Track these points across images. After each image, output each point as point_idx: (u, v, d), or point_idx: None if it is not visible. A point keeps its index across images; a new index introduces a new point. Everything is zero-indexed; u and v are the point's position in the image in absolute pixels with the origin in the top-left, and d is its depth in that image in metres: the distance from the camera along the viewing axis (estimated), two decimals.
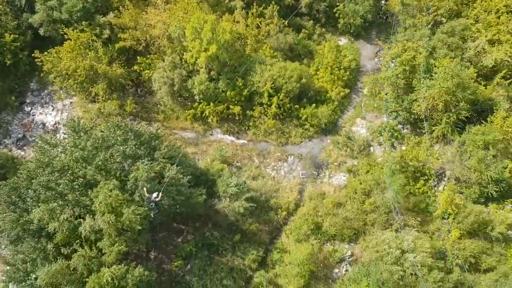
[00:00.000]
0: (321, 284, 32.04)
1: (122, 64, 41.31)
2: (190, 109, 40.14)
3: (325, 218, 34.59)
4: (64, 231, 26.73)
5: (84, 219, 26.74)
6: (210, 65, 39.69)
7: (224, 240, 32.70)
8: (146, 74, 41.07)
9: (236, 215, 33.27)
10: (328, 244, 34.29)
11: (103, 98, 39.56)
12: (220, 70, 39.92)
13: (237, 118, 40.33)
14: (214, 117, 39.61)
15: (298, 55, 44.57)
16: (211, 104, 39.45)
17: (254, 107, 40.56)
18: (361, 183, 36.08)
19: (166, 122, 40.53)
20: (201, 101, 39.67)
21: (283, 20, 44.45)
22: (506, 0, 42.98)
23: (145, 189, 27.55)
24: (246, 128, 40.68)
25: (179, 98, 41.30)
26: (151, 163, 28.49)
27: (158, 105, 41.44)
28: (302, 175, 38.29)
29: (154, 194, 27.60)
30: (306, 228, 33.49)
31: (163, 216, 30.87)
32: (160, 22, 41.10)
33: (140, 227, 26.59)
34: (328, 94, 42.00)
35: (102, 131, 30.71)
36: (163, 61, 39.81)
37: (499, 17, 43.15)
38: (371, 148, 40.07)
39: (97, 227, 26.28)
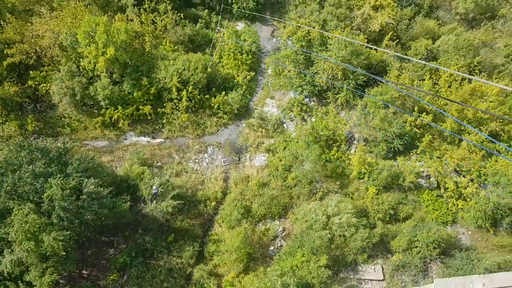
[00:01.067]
0: (259, 263, 33.06)
1: (15, 82, 38.56)
2: (98, 117, 38.66)
3: (252, 200, 35.53)
4: None
5: (3, 255, 25.07)
6: (111, 68, 38.42)
7: (157, 243, 32.36)
8: (43, 88, 38.73)
9: (165, 216, 33.08)
10: (260, 224, 35.40)
11: (0, 121, 36.79)
12: (122, 71, 38.79)
13: (149, 117, 39.61)
14: (124, 120, 38.59)
15: (199, 45, 44.61)
16: (119, 107, 38.33)
17: (164, 104, 40.05)
18: (281, 160, 37.46)
19: (74, 135, 38.68)
20: (108, 106, 38.35)
21: (178, 13, 44.03)
22: None
23: (154, 186, 31.01)
24: (161, 126, 40.15)
25: (83, 107, 39.56)
26: (66, 179, 27.30)
27: (63, 118, 39.36)
28: (224, 163, 38.87)
29: (154, 187, 31.60)
30: (237, 213, 34.26)
31: (90, 232, 29.88)
32: (48, 32, 38.75)
33: (64, 252, 25.55)
34: (235, 80, 42.67)
35: (5, 154, 28.73)
36: (59, 71, 37.73)
37: None
38: (285, 125, 41.62)
39: (18, 260, 24.76)
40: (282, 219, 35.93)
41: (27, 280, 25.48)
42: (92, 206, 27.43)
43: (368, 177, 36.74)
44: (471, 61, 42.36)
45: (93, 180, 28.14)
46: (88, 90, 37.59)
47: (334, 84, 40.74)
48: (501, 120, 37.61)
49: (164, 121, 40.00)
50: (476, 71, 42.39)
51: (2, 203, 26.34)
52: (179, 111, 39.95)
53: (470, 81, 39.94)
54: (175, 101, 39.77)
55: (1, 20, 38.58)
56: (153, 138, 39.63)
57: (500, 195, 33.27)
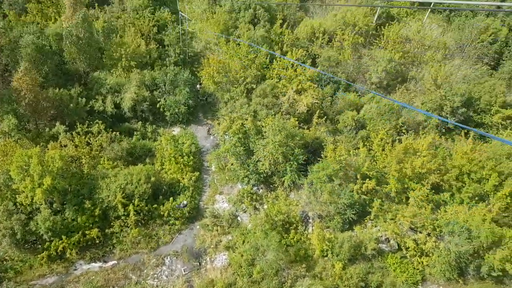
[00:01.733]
0: None
1: None
2: (43, 252, 36.22)
3: None
4: None
5: None
6: (50, 198, 36.97)
7: None
8: None
9: None
10: None
11: None
12: (62, 199, 37.48)
13: (97, 241, 37.65)
14: (71, 250, 36.38)
15: (139, 157, 44.59)
16: (64, 237, 36.34)
17: (112, 223, 38.61)
18: (242, 255, 36.57)
19: (19, 277, 35.65)
20: (52, 238, 36.23)
21: (112, 130, 44.35)
22: (294, 56, 50.02)
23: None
24: (111, 248, 38.19)
25: (26, 245, 37.06)
26: None
27: (4, 262, 36.45)
28: (184, 272, 37.17)
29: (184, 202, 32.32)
30: None
31: None
32: None
33: None
34: (181, 183, 42.49)
35: None
36: None
37: (295, 70, 50.03)
38: (239, 218, 41.28)
39: None
40: None
41: None
42: None
43: (331, 253, 36.60)
44: (396, 123, 45.52)
45: None
46: (28, 226, 35.62)
47: (278, 167, 41.70)
48: (438, 172, 39.76)
49: (114, 241, 38.27)
50: (403, 131, 45.48)
51: None
52: (128, 227, 38.58)
53: (400, 141, 42.60)
54: (122, 217, 38.50)
55: None
56: (105, 261, 37.46)
57: (458, 243, 34.18)
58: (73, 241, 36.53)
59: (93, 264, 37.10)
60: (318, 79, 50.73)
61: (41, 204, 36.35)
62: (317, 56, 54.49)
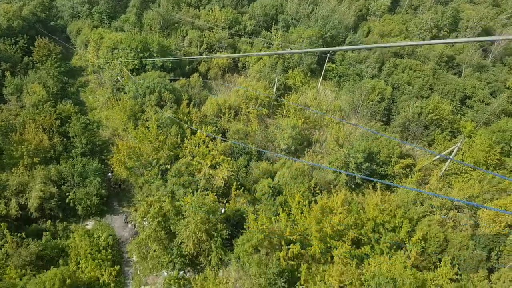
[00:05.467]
0: None
1: None
2: None
3: None
4: None
5: None
6: None
7: None
8: None
9: None
10: None
11: None
12: None
13: None
14: None
15: (51, 259, 40.97)
16: None
17: None
18: None
19: None
20: None
21: (19, 234, 40.70)
22: (203, 136, 51.17)
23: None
24: None
25: None
26: None
27: None
28: None
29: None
30: None
31: None
32: None
33: None
34: (100, 281, 39.53)
35: None
36: None
37: (207, 146, 51.02)
38: None
39: None
40: None
41: None
42: None
43: None
44: (309, 185, 47.66)
45: None
46: None
47: (202, 246, 40.83)
48: (355, 226, 41.80)
49: None
50: (317, 191, 47.65)
51: None
52: None
53: (315, 201, 44.46)
54: None
55: None
56: None
57: None
58: None
59: None
60: (230, 152, 52.06)
61: None
62: (226, 130, 56.28)
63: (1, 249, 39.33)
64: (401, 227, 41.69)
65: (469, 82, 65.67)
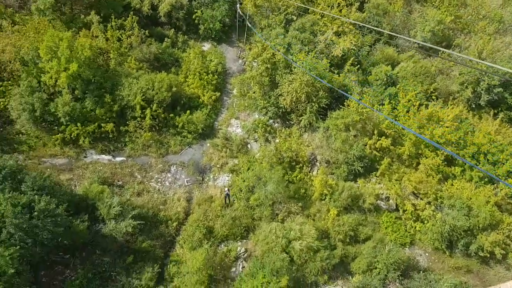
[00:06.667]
0: (221, 285, 32.72)
1: None
2: (58, 134, 37.62)
3: (215, 221, 35.37)
4: None
5: None
6: (72, 85, 37.64)
7: (116, 264, 31.48)
8: (1, 103, 37.47)
9: (125, 236, 32.28)
10: (222, 245, 35.12)
11: None
12: (84, 88, 38.08)
13: (111, 135, 38.86)
14: (85, 138, 37.68)
15: (165, 64, 44.51)
16: (80, 125, 37.52)
17: (128, 122, 39.51)
18: (244, 181, 37.51)
19: (33, 151, 37.37)
20: (69, 123, 37.40)
21: (144, 31, 43.96)
22: None
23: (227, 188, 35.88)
24: (123, 145, 39.49)
25: (43, 124, 38.39)
26: (16, 195, 26.31)
27: (20, 135, 38.02)
28: (187, 183, 38.55)
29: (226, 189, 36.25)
30: (199, 234, 33.90)
31: (44, 251, 28.68)
32: (9, 46, 37.82)
33: (13, 270, 24.40)
34: (200, 100, 42.76)
35: None
36: (19, 86, 36.72)
37: (340, 11, 48.06)
38: (249, 146, 41.88)
39: None
40: (244, 240, 35.81)
41: None
42: (46, 225, 26.45)
43: (330, 198, 37.30)
44: (427, 88, 44.26)
45: (45, 197, 27.17)
46: (48, 106, 36.65)
47: (298, 106, 41.45)
48: (456, 145, 39.24)
49: (126, 139, 39.43)
50: (433, 97, 44.30)
51: None
52: (142, 129, 39.49)
53: (427, 106, 41.64)
54: (138, 119, 39.34)
55: None
56: (115, 156, 38.88)
57: (455, 217, 34.52)
58: (88, 130, 37.71)
59: (103, 156, 38.55)
60: (360, 25, 48.72)
61: (63, 88, 37.12)
62: (366, 1, 51.96)
63: (128, 38, 42.99)
64: (504, 164, 38.31)
65: None
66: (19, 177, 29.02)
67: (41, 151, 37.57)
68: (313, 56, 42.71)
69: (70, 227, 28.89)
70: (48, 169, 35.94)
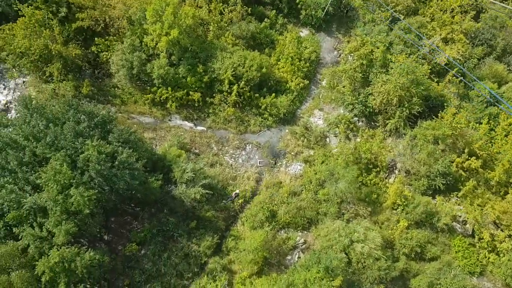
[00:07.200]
0: (274, 270, 32.79)
1: (79, 45, 39.92)
2: (149, 94, 39.54)
3: (280, 206, 35.29)
4: (13, 206, 26.04)
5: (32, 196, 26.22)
6: (170, 50, 39.15)
7: (180, 226, 32.78)
8: (104, 56, 40.04)
9: (192, 202, 33.39)
10: (282, 231, 35.06)
11: (58, 79, 38.22)
12: (181, 55, 39.46)
13: (196, 104, 40.11)
14: (173, 102, 39.23)
15: (260, 44, 44.72)
16: (170, 89, 39.05)
17: (214, 94, 40.47)
18: (316, 173, 36.94)
19: (124, 106, 39.76)
20: (160, 86, 39.13)
21: (246, 8, 44.39)
22: (460, 0, 44.70)
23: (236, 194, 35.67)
24: (206, 115, 40.59)
25: (137, 82, 40.56)
26: (103, 144, 28.05)
27: (116, 88, 40.50)
28: (259, 164, 38.79)
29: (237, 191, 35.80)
30: (262, 215, 34.11)
31: (118, 200, 30.52)
32: (120, 3, 40.04)
33: (88, 211, 26.20)
34: (288, 84, 42.51)
35: (54, 106, 29.98)
36: (122, 43, 38.94)
37: (453, 17, 45.00)
38: (327, 139, 41.04)
39: (41, 203, 25.70)
40: (305, 232, 35.45)
41: (48, 228, 26.13)
42: (124, 176, 27.99)
43: (402, 209, 35.57)
44: None
45: (127, 150, 28.66)
46: (145, 66, 38.50)
47: (387, 108, 39.69)
48: None
49: (210, 110, 40.43)
50: None
51: (42, 153, 27.29)
52: (226, 104, 40.24)
53: None
54: (224, 93, 40.09)
55: None
56: (196, 125, 40.09)
57: None
58: (177, 96, 39.19)
59: (186, 122, 39.94)
60: (473, 35, 45.28)
61: (161, 52, 38.75)
62: (483, 10, 48.06)
63: (230, 13, 43.65)
64: None
65: None
66: (108, 127, 30.94)
67: (132, 107, 39.78)
68: (414, 60, 40.50)
69: (145, 182, 30.38)
70: (135, 125, 38.03)
